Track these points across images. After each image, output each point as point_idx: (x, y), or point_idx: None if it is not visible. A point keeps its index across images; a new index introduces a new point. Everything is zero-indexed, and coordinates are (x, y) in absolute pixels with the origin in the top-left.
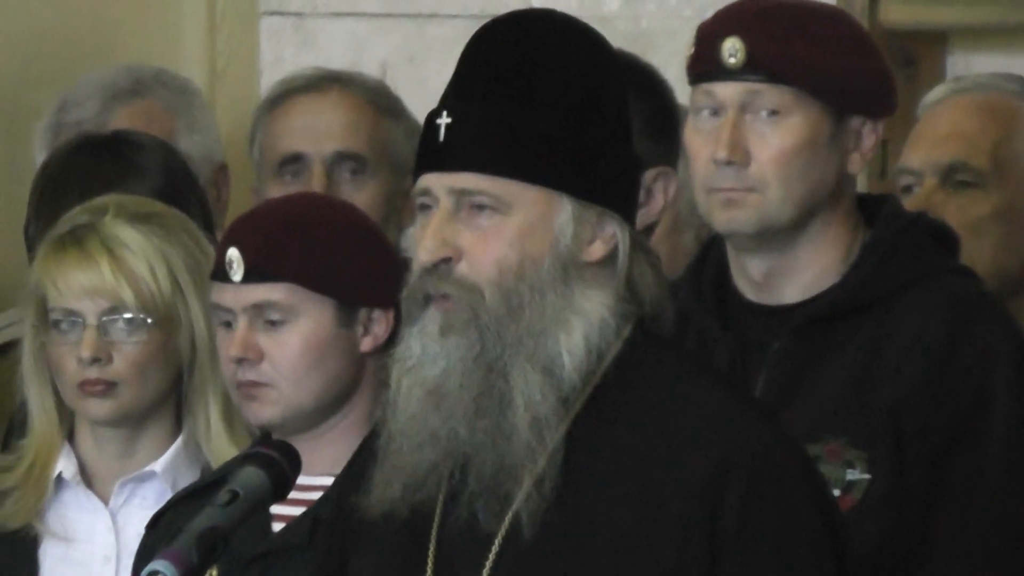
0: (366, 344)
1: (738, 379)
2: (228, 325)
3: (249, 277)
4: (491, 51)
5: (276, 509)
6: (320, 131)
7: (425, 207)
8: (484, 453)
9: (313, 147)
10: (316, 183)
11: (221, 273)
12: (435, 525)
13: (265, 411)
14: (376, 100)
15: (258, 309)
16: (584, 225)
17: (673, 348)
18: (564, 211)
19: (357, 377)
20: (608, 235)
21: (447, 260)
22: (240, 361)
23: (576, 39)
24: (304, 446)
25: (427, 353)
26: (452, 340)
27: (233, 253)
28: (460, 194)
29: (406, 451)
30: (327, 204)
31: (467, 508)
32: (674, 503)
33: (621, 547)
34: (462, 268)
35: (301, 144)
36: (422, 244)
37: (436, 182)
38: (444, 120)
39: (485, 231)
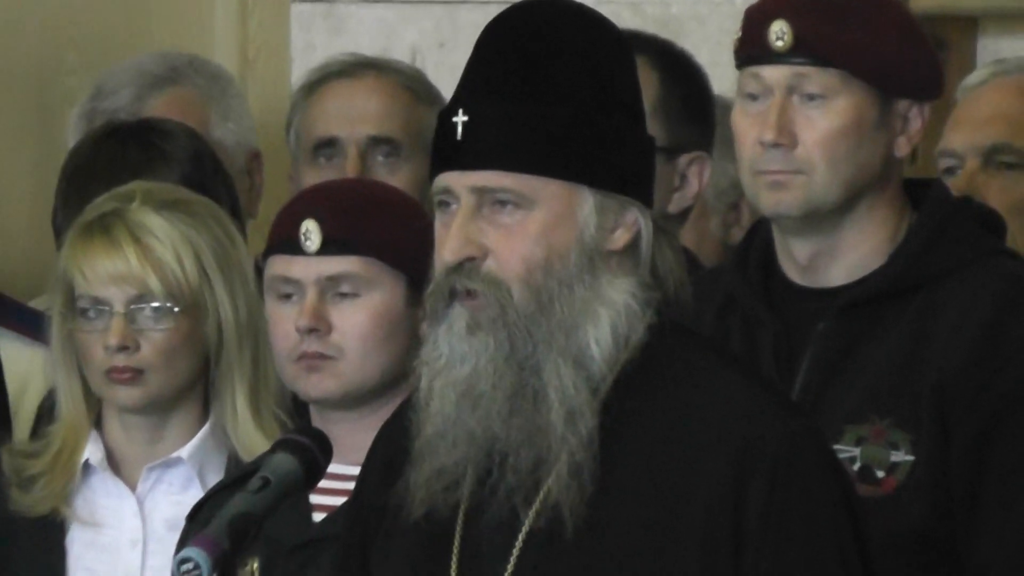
0: (424, 327)
1: (756, 365)
2: (286, 298)
3: (326, 249)
4: (502, 46)
5: (317, 499)
6: (355, 115)
7: (445, 204)
8: (521, 449)
9: (347, 131)
10: (350, 167)
11: (287, 245)
12: (460, 518)
13: (326, 384)
14: (411, 86)
15: (332, 281)
16: (607, 214)
17: (692, 334)
18: (586, 203)
19: (410, 362)
20: (630, 222)
21: (472, 259)
22: (309, 332)
23: (585, 27)
24: (343, 430)
25: (455, 353)
26: (480, 339)
27: (310, 224)
28: (482, 192)
29: (442, 452)
30: (384, 184)
31: (505, 502)
32: (699, 491)
33: (646, 535)
34: (489, 265)
35: (336, 128)
36: (446, 244)
37: (456, 181)
38: (460, 118)
39: (509, 228)
